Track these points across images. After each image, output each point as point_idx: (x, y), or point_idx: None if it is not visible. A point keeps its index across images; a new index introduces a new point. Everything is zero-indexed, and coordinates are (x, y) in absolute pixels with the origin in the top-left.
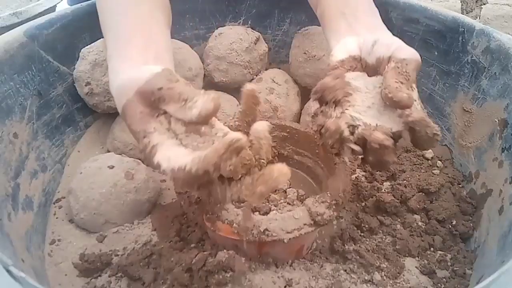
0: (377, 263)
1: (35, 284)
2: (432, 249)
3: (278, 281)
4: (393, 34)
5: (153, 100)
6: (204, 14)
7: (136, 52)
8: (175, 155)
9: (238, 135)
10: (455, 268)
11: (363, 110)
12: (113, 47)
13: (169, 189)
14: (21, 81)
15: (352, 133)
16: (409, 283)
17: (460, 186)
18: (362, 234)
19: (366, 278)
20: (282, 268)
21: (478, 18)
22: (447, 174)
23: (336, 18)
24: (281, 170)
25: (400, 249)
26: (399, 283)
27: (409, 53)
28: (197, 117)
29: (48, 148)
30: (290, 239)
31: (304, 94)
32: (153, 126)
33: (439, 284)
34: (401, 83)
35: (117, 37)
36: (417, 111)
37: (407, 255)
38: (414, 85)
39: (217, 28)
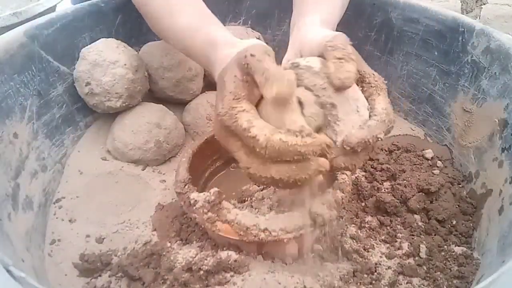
0: (377, 262)
1: (35, 284)
2: (432, 249)
3: (278, 281)
4: (393, 34)
5: (244, 65)
6: None
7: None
8: (261, 123)
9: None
10: (455, 268)
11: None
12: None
13: (168, 189)
14: (21, 81)
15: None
16: (409, 283)
17: (460, 186)
18: (362, 234)
19: (366, 278)
20: (282, 268)
21: (478, 18)
22: (447, 174)
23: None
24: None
25: (400, 250)
26: (399, 283)
27: (332, 34)
28: (272, 99)
29: (48, 148)
30: (290, 239)
31: None
32: (244, 92)
33: (439, 284)
34: (339, 59)
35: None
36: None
37: (407, 255)
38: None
39: None
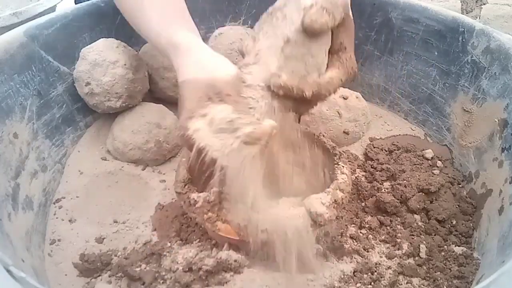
0: (377, 262)
1: (35, 284)
2: (432, 249)
3: (278, 281)
4: (393, 34)
5: (212, 96)
6: (204, 14)
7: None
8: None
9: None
10: (455, 268)
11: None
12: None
13: (168, 189)
14: (21, 81)
15: None
16: (409, 283)
17: (460, 186)
18: (362, 234)
19: (366, 278)
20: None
21: (478, 18)
22: (447, 174)
23: None
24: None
25: (400, 250)
26: (399, 283)
27: None
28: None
29: (48, 148)
30: None
31: None
32: (203, 112)
33: (439, 284)
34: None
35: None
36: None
37: (407, 255)
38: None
39: (217, 28)
